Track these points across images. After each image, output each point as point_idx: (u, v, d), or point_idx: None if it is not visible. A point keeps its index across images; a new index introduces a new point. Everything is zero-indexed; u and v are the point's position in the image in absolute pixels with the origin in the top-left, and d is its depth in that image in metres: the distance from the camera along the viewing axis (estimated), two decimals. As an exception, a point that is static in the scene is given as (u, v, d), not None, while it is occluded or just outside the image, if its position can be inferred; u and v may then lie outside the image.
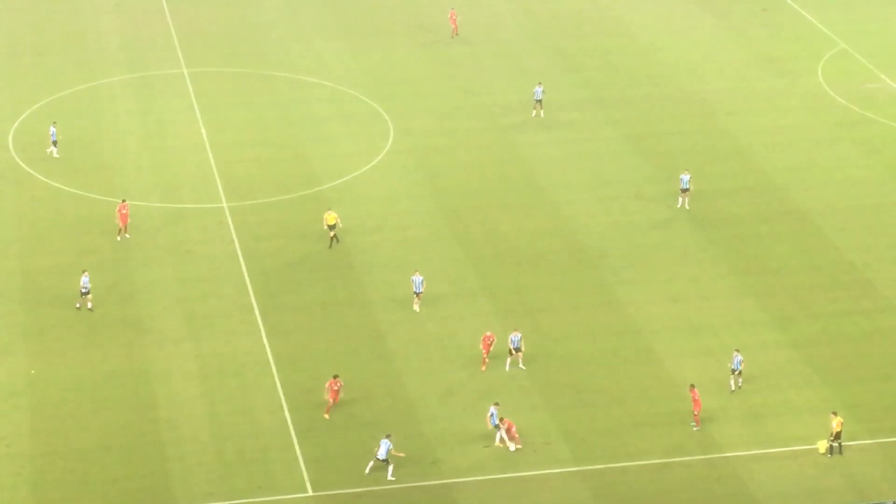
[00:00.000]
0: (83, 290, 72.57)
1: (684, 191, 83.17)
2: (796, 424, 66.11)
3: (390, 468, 62.26)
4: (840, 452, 63.90)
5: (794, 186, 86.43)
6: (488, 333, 69.62)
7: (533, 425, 65.81)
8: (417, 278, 73.26)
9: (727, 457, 64.16)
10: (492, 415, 64.26)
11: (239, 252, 78.69)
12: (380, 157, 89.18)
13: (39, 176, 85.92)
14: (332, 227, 78.49)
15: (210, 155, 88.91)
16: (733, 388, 67.79)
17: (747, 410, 66.86)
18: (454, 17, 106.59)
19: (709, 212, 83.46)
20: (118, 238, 78.29)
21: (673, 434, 65.47)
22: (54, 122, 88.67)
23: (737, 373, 67.67)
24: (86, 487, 61.71)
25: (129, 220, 78.57)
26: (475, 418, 65.69)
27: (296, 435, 65.01)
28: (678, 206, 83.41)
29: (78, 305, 72.82)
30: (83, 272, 73.06)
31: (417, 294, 73.17)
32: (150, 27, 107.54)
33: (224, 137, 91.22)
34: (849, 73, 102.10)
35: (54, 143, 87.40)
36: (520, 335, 69.36)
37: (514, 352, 69.22)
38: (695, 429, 65.44)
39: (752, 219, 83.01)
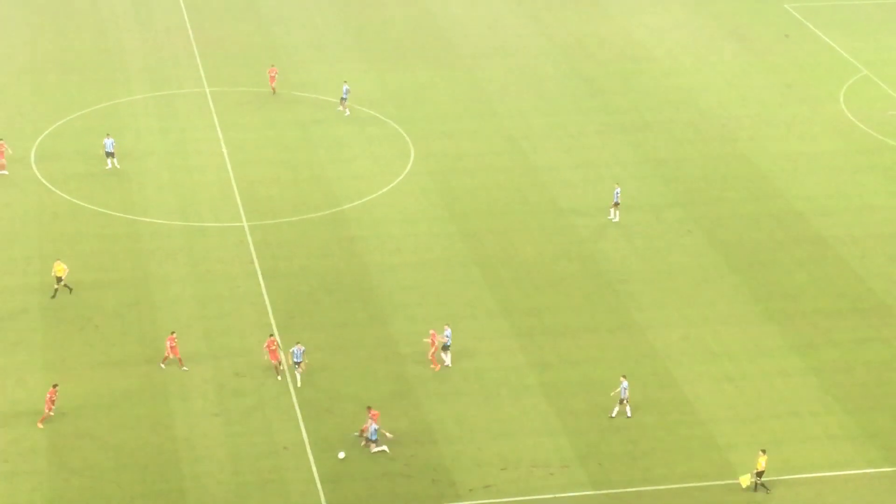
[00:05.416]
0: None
1: (616, 204, 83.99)
2: (815, 451, 65.89)
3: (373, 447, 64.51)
4: (766, 490, 63.23)
5: (815, 213, 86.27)
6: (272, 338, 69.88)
7: (550, 448, 65.70)
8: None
9: (745, 483, 64.02)
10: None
11: (258, 271, 78.78)
12: (400, 179, 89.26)
13: (60, 193, 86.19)
14: (59, 280, 75.23)
15: (231, 174, 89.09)
16: (613, 415, 67.35)
17: (766, 437, 66.62)
18: (273, 75, 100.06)
19: (728, 237, 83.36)
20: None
21: (691, 459, 65.28)
22: (108, 134, 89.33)
23: (625, 401, 67.23)
24: (102, 505, 61.86)
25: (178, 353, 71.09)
26: (493, 440, 65.61)
27: (312, 455, 64.99)
28: (610, 217, 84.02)
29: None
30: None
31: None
32: (172, 46, 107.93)
33: (245, 156, 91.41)
34: (871, 100, 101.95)
35: (108, 154, 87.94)
36: (303, 349, 69.68)
37: (297, 365, 69.35)
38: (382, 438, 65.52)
39: (772, 245, 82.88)
